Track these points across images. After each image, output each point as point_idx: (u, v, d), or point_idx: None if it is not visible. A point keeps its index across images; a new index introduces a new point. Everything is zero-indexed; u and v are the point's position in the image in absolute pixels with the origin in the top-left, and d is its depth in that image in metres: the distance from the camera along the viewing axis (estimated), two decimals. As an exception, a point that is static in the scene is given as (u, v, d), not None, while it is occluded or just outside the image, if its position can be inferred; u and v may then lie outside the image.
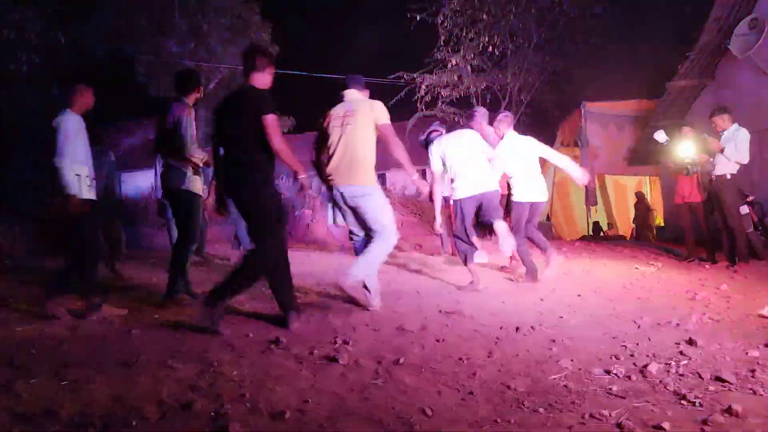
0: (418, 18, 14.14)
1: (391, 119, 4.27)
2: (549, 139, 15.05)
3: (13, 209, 9.66)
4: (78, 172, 4.12)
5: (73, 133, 4.12)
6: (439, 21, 14.30)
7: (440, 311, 4.19)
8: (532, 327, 3.65)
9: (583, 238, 12.74)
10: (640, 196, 14.60)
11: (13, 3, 8.44)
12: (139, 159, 16.96)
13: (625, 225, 16.13)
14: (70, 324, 3.88)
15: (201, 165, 4.65)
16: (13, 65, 8.81)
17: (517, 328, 3.61)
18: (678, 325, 3.65)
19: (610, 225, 16.25)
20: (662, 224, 13.84)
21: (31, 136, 10.71)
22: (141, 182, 16.60)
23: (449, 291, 5.12)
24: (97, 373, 2.73)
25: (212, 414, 2.19)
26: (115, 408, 2.28)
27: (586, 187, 12.98)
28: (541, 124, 15.99)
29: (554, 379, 2.61)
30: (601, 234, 14.34)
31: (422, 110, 15.30)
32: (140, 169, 17.04)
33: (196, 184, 4.67)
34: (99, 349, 3.25)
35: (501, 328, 3.66)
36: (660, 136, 7.27)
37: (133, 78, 15.69)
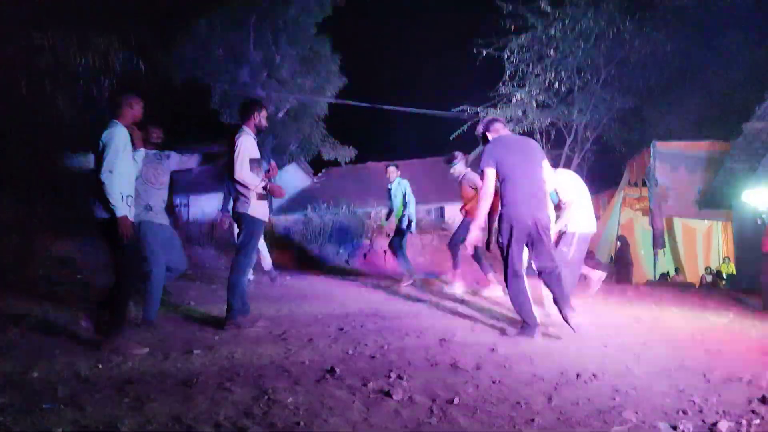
0: (484, 53, 14.15)
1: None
2: (616, 178, 14.68)
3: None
4: (122, 190, 3.86)
5: (123, 148, 3.91)
6: (506, 56, 14.26)
7: (492, 349, 4.10)
8: (594, 374, 3.51)
9: (648, 283, 12.23)
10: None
11: (98, 30, 8.86)
12: (209, 183, 17.52)
13: (694, 271, 15.44)
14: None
15: (262, 191, 4.75)
16: (95, 90, 9.25)
17: (578, 375, 3.48)
18: (750, 381, 3.43)
19: (678, 270, 15.57)
20: (734, 272, 13.18)
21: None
22: (209, 205, 17.08)
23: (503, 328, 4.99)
24: (158, 392, 2.81)
25: (266, 441, 2.20)
26: (174, 426, 2.33)
27: (653, 229, 12.55)
28: (607, 162, 15.62)
29: (617, 431, 2.49)
30: (668, 280, 13.76)
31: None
32: (210, 192, 17.56)
33: (259, 209, 4.79)
34: (160, 368, 3.35)
35: (561, 373, 3.53)
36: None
37: (207, 106, 16.36)
